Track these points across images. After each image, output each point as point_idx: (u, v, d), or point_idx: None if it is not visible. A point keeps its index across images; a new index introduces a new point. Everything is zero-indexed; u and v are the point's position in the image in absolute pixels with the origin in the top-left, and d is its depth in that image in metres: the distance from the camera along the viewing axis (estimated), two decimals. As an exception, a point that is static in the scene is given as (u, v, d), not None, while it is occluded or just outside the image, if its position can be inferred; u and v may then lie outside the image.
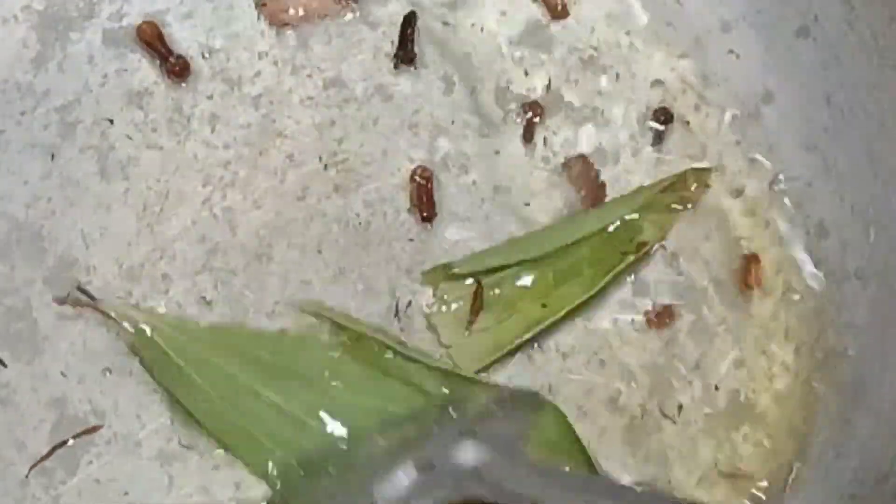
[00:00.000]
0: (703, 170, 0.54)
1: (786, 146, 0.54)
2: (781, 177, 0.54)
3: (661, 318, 0.53)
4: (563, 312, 0.51)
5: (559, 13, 0.56)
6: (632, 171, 0.54)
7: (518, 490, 0.43)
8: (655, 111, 0.55)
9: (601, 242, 0.52)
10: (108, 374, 0.51)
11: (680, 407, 0.52)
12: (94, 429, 0.49)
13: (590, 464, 0.50)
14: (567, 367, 0.52)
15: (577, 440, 0.50)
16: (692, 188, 0.54)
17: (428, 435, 0.47)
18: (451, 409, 0.49)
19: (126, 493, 0.50)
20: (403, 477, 0.44)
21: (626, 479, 0.51)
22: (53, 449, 0.49)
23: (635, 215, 0.53)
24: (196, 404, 0.50)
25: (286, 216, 0.53)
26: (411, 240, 0.53)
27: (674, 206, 0.54)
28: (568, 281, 0.52)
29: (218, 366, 0.50)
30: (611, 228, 0.53)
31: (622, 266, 0.52)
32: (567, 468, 0.46)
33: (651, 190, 0.53)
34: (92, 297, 0.50)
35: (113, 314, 0.51)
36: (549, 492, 0.43)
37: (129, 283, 0.52)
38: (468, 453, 0.43)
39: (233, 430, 0.50)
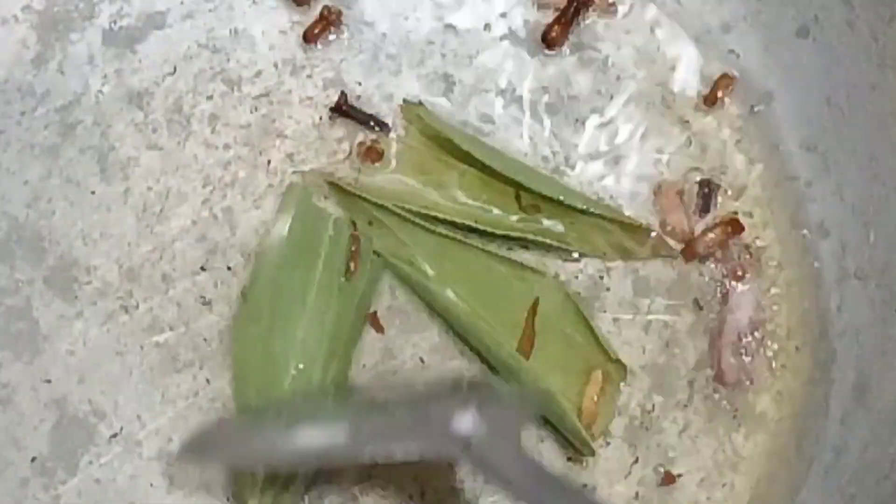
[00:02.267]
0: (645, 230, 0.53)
1: (786, 146, 0.54)
2: (782, 177, 0.54)
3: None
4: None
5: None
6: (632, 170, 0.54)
7: (502, 473, 0.43)
8: (700, 182, 0.54)
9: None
10: (108, 374, 0.51)
11: (680, 407, 0.52)
12: None
13: (594, 334, 0.51)
14: (567, 367, 0.52)
15: (581, 314, 0.51)
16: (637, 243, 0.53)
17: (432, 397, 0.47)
18: (465, 383, 0.49)
19: (126, 494, 0.50)
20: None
21: (625, 481, 0.51)
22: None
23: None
24: None
25: (286, 216, 0.53)
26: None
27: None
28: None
29: None
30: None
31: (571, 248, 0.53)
32: (553, 473, 0.45)
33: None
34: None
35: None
36: (530, 485, 0.43)
37: (129, 283, 0.52)
38: (466, 422, 0.44)
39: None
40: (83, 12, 0.55)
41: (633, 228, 0.53)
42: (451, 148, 0.53)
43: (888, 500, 0.46)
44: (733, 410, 0.52)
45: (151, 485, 0.50)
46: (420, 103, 0.54)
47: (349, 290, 0.51)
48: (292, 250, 0.51)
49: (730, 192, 0.54)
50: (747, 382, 0.52)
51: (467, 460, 0.44)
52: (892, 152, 0.51)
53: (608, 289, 0.53)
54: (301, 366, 0.50)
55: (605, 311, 0.53)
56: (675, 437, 0.51)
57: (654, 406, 0.52)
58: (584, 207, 0.52)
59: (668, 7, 0.56)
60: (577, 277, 0.53)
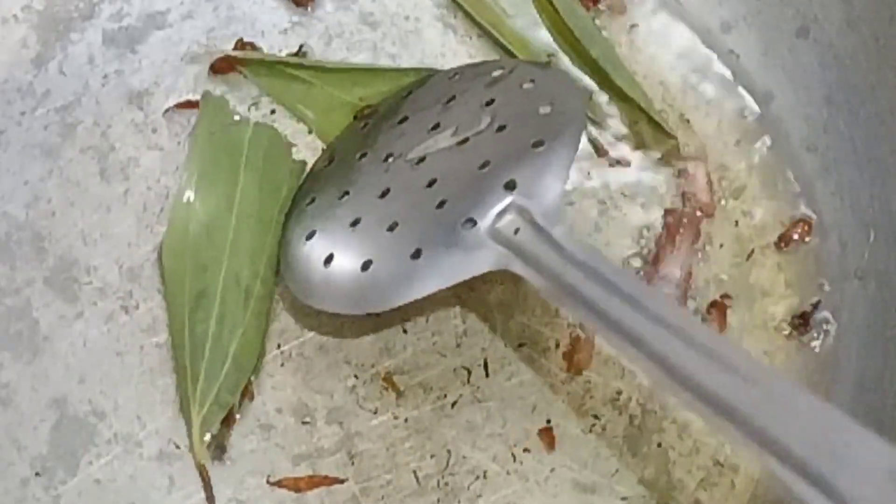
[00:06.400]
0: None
1: (786, 146, 0.55)
2: (782, 177, 0.54)
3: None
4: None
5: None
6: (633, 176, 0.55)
7: (553, 270, 0.40)
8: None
9: None
10: (108, 374, 0.51)
11: (681, 407, 0.52)
12: None
13: None
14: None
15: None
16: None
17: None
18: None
19: (126, 494, 0.50)
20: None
21: (625, 481, 0.51)
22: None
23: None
24: None
25: (286, 216, 0.53)
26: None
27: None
28: None
29: None
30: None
31: None
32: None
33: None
34: None
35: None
36: (585, 279, 0.39)
37: (129, 283, 0.52)
38: (509, 213, 0.40)
39: None
40: (83, 12, 0.55)
41: (658, 127, 0.54)
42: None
43: (888, 499, 0.46)
44: (733, 410, 0.52)
45: (152, 485, 0.50)
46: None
47: (272, 192, 0.52)
48: (214, 158, 0.52)
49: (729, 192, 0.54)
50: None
51: (517, 264, 0.41)
52: (892, 152, 0.51)
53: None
54: (230, 268, 0.50)
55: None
56: (675, 438, 0.51)
57: (654, 406, 0.52)
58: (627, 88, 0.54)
59: (669, 6, 0.56)
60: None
